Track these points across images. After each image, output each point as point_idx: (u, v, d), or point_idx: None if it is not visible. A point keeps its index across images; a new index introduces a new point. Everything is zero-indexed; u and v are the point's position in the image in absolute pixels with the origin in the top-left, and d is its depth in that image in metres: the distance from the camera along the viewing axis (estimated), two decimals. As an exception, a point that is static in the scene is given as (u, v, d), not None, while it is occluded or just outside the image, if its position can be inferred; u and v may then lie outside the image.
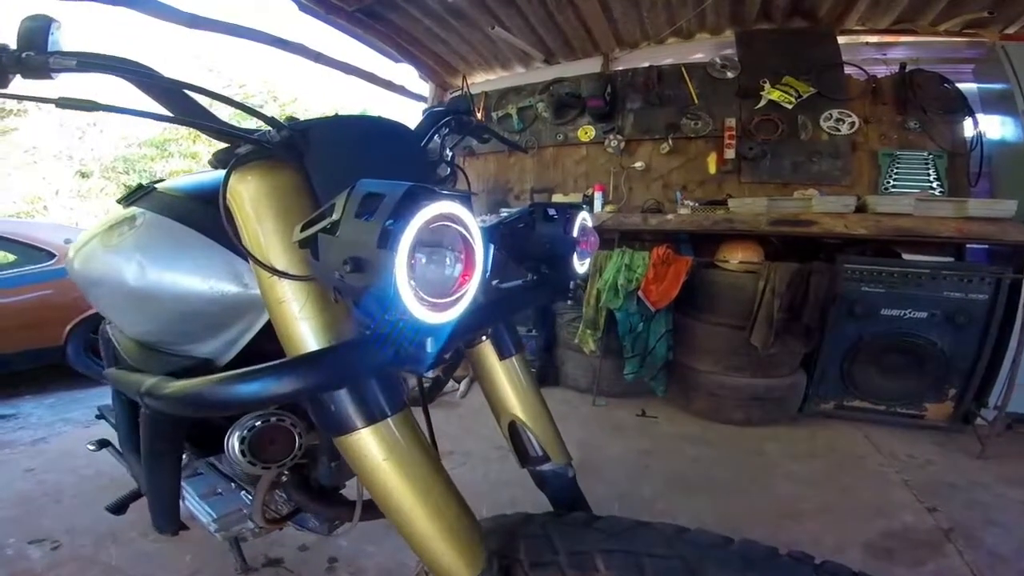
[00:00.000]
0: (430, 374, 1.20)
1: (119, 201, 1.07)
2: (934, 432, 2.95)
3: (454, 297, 0.59)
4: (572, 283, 1.02)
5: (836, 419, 3.10)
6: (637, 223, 3.47)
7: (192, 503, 1.15)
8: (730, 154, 3.74)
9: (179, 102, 0.64)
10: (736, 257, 3.13)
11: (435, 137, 1.03)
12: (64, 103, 0.55)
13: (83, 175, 10.57)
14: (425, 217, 0.53)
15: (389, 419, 0.66)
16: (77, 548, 1.81)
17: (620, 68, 4.30)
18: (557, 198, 4.28)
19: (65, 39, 0.58)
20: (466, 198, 0.60)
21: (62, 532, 1.89)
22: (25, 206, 9.95)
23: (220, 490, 1.14)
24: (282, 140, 0.67)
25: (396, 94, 5.56)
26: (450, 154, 1.10)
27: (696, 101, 3.93)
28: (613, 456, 2.66)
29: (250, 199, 0.69)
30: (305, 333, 0.65)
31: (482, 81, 5.00)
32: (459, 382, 3.57)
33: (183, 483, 1.13)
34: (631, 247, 3.25)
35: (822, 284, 2.87)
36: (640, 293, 3.12)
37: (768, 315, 2.89)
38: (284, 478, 0.99)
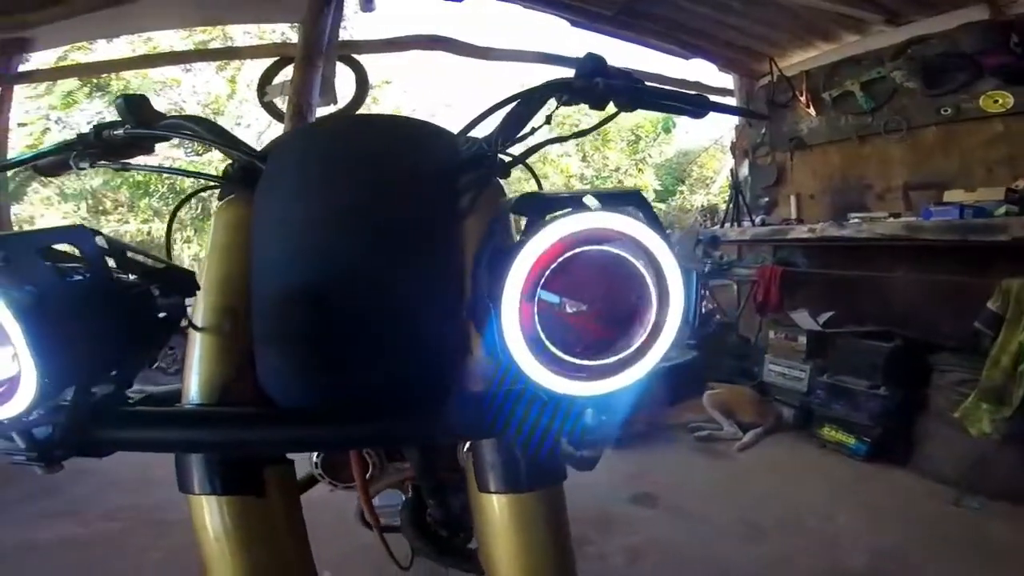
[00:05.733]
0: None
1: None
2: None
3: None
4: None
5: None
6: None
7: None
8: None
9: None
10: None
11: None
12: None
13: None
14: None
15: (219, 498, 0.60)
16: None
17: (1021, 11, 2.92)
18: (953, 196, 3.01)
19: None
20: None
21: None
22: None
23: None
24: (233, 173, 0.69)
25: (693, 91, 5.06)
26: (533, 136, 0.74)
27: None
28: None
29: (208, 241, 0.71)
30: (190, 384, 0.64)
31: (799, 60, 4.20)
32: (744, 430, 2.94)
33: None
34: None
35: None
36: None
37: None
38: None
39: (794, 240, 3.61)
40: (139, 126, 0.71)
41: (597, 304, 0.52)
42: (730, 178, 4.66)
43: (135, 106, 0.72)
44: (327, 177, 0.65)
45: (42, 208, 8.47)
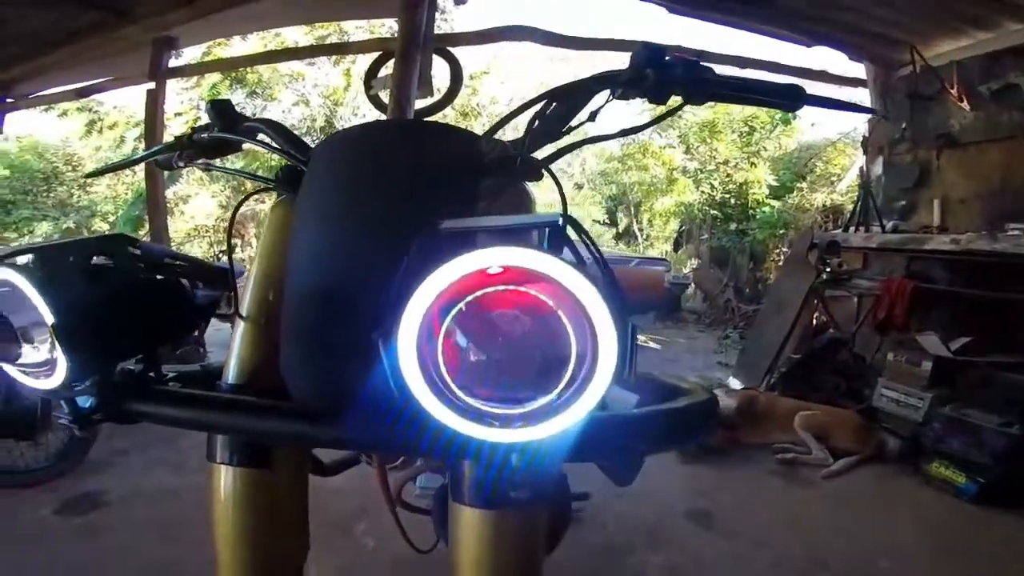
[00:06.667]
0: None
1: None
2: None
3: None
4: None
5: None
6: None
7: None
8: None
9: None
10: None
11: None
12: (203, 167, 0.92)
13: (578, 186, 12.73)
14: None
15: (233, 468, 0.69)
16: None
17: None
18: None
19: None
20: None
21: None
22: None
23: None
24: (281, 176, 0.75)
25: (817, 82, 4.63)
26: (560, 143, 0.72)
27: None
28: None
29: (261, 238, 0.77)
30: (230, 366, 0.73)
31: (948, 50, 3.69)
32: (837, 457, 2.64)
33: None
34: None
35: None
36: None
37: None
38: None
39: (932, 252, 3.09)
40: (223, 129, 0.80)
41: (512, 350, 0.46)
42: (860, 177, 4.16)
43: (220, 110, 0.80)
44: (347, 183, 0.66)
45: (197, 187, 9.61)
